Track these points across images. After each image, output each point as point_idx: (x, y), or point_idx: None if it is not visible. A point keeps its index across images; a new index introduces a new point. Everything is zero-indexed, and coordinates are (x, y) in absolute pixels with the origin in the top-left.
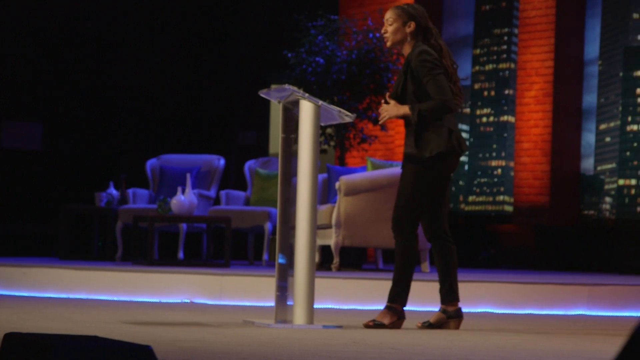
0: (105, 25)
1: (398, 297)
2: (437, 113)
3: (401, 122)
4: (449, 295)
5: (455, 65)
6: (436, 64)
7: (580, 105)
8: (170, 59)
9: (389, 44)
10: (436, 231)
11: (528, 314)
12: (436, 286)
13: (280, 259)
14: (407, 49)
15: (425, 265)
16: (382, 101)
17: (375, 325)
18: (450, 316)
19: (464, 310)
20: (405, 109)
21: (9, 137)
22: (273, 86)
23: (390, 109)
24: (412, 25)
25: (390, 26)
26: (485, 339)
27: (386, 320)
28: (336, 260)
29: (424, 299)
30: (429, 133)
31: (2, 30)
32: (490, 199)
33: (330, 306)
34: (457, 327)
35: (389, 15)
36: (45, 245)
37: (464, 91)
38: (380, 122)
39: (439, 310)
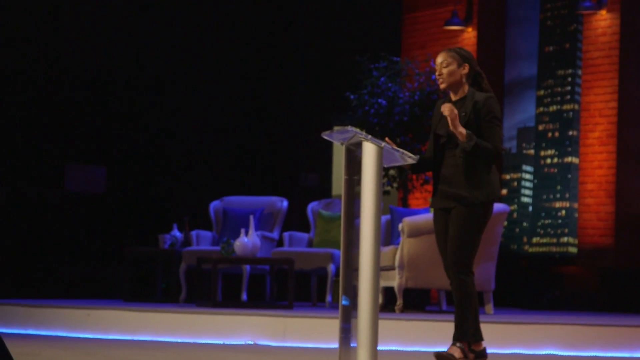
0: (168, 69)
1: (465, 334)
2: (487, 157)
3: None
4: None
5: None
6: (500, 114)
7: None
8: (234, 102)
9: (443, 85)
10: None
11: (593, 356)
12: (505, 327)
13: (343, 301)
14: (460, 92)
15: (490, 307)
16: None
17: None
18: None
19: (528, 352)
20: (463, 130)
21: (73, 180)
22: (336, 128)
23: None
24: (467, 67)
25: (445, 68)
26: None
27: (457, 354)
28: (400, 301)
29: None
30: (484, 175)
31: (65, 74)
32: (554, 240)
33: (394, 348)
34: None
35: (443, 58)
36: (109, 287)
37: (529, 132)
38: (453, 119)
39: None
